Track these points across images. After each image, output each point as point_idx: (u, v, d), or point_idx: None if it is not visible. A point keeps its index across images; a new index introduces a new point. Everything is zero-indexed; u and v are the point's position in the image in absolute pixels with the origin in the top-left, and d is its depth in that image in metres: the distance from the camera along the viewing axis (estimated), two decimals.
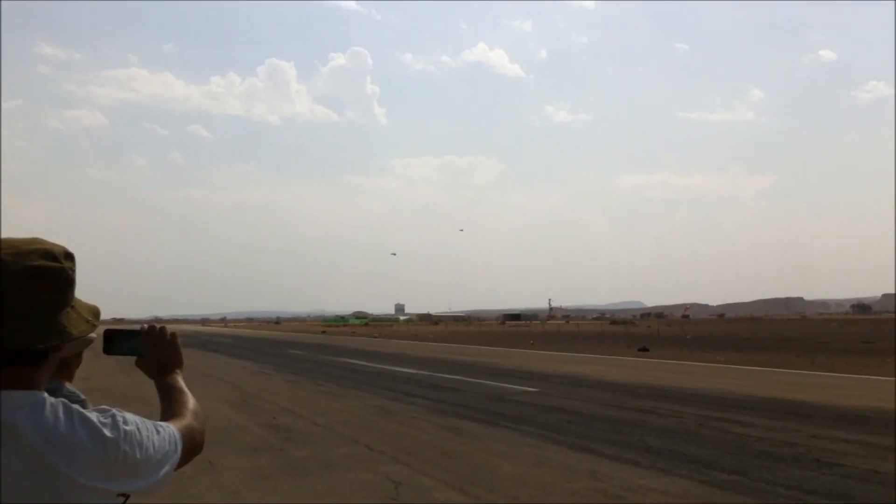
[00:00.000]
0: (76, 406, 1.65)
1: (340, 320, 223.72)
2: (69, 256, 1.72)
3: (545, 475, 9.33)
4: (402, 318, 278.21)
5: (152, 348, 2.07)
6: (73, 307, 1.71)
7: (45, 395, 1.63)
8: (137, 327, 2.11)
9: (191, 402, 2.02)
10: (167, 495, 7.90)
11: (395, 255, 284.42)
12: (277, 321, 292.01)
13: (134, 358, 2.13)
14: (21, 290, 1.60)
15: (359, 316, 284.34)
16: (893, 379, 20.72)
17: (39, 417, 1.58)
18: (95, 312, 1.80)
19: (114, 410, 1.70)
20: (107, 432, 1.62)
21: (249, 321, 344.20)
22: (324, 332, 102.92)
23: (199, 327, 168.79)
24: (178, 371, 2.10)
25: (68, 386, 3.17)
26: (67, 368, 3.24)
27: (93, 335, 2.15)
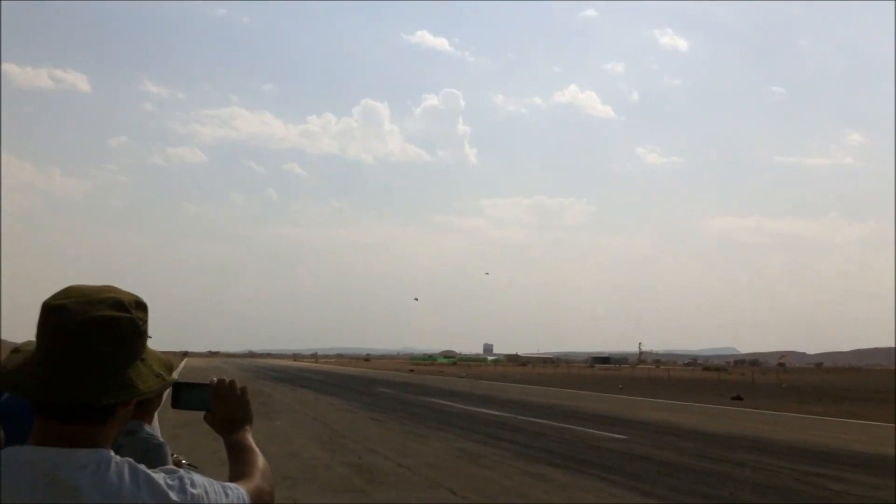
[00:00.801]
0: (142, 466, 1.58)
1: (428, 359, 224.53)
2: (141, 306, 1.66)
3: None
4: (489, 358, 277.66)
5: (221, 403, 2.01)
6: (143, 360, 1.64)
7: (111, 453, 1.57)
8: (207, 381, 2.05)
9: (260, 461, 1.93)
10: None
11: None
12: (367, 358, 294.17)
13: (202, 413, 2.07)
14: (87, 342, 1.54)
15: (447, 355, 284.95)
16: None
17: (103, 479, 1.51)
18: (168, 365, 1.74)
19: (182, 472, 1.62)
20: (173, 496, 1.56)
21: (339, 357, 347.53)
22: (412, 370, 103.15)
23: (290, 362, 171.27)
24: (247, 428, 2.03)
25: (147, 428, 3.16)
26: (148, 409, 3.24)
27: (175, 376, 2.12)
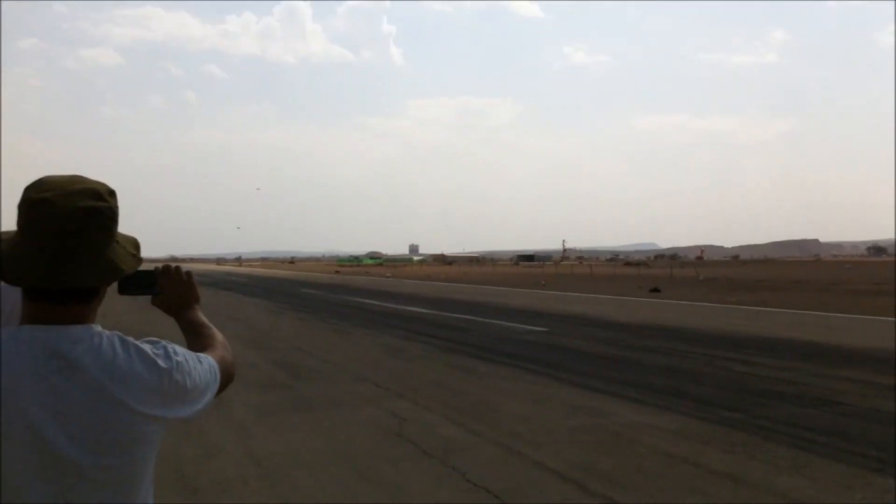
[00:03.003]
0: (130, 338, 1.71)
1: (354, 261, 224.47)
2: (112, 193, 1.75)
3: (547, 412, 9.47)
4: (415, 258, 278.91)
5: (169, 287, 2.10)
6: (118, 242, 1.75)
7: (100, 328, 1.70)
8: (152, 267, 2.11)
9: (218, 334, 2.07)
10: (178, 431, 8.07)
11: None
12: (292, 261, 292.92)
13: (149, 298, 2.12)
14: (75, 232, 1.63)
15: (373, 256, 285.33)
16: None
17: (99, 351, 1.64)
18: (136, 245, 1.84)
19: (164, 342, 1.77)
20: (161, 363, 1.69)
21: (264, 261, 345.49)
22: (337, 272, 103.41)
23: (214, 267, 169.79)
24: (196, 307, 2.14)
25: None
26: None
27: None
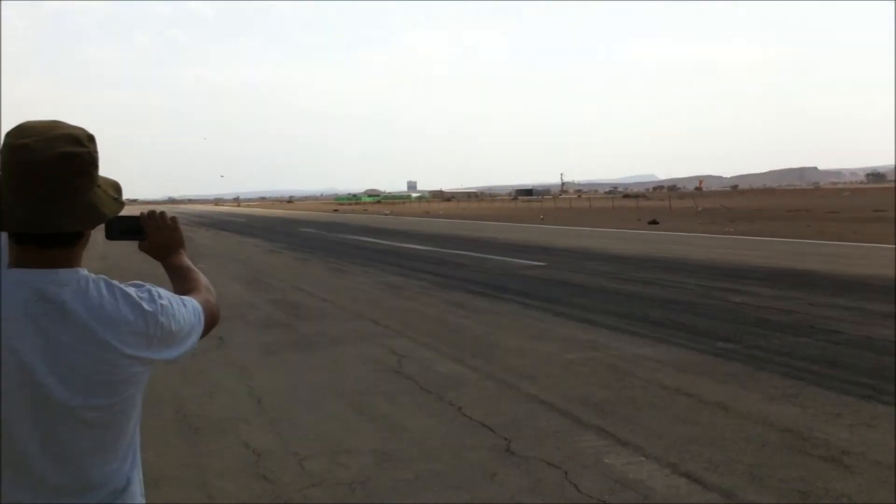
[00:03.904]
0: (116, 282, 1.75)
1: (353, 198, 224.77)
2: (91, 139, 1.76)
3: (544, 346, 9.56)
4: (414, 195, 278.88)
5: (154, 232, 2.12)
6: (99, 186, 1.77)
7: (87, 272, 1.73)
8: (138, 212, 2.13)
9: (202, 278, 2.11)
10: (178, 370, 8.20)
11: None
12: (290, 200, 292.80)
13: (136, 242, 2.14)
14: (55, 177, 1.65)
15: (371, 194, 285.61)
16: None
17: (86, 294, 1.68)
18: (118, 188, 1.86)
19: (148, 286, 1.80)
20: (146, 306, 1.73)
21: (262, 200, 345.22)
22: (336, 210, 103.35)
23: (212, 207, 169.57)
24: (181, 251, 2.17)
25: None
26: None
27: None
